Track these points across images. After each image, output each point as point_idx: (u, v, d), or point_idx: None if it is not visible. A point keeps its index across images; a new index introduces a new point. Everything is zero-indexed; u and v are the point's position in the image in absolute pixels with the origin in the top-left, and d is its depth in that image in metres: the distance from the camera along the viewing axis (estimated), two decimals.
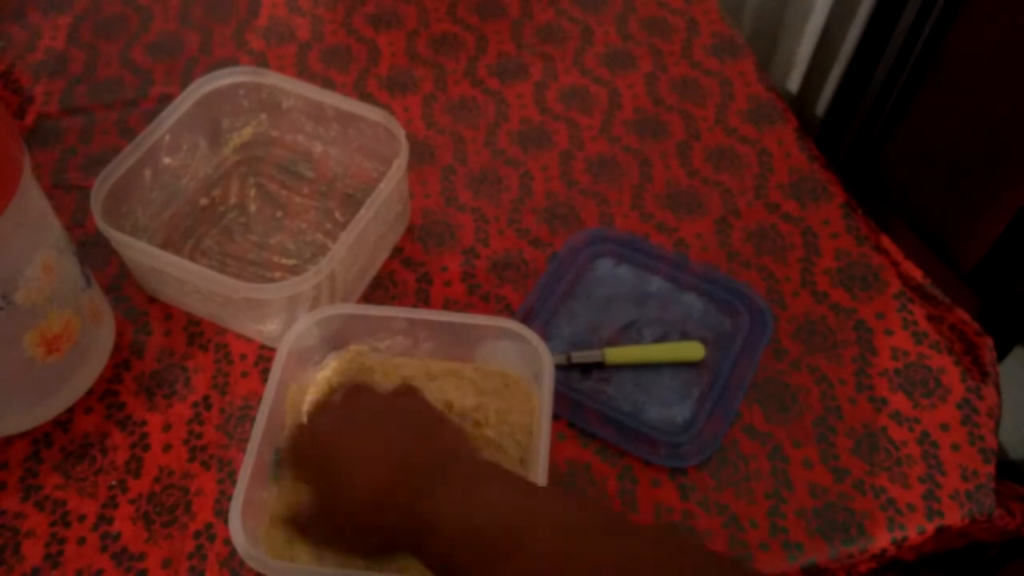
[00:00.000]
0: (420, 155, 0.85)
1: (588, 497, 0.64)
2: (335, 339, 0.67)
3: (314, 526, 0.54)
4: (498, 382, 0.67)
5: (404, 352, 0.68)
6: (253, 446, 0.57)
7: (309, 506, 0.53)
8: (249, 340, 0.72)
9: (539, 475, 0.57)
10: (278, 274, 0.75)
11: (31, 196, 0.58)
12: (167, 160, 0.76)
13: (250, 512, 0.55)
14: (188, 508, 0.63)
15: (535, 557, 0.43)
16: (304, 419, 0.63)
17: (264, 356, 0.71)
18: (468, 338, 0.66)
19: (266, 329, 0.70)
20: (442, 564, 0.47)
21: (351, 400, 0.56)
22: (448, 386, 0.67)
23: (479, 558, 0.45)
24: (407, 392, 0.58)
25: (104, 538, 0.62)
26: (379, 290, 0.76)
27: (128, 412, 0.68)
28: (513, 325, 0.64)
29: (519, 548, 0.43)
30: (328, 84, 0.91)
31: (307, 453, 0.54)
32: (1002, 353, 0.80)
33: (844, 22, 1.36)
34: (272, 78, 0.77)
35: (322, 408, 0.60)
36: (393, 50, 0.95)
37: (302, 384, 0.66)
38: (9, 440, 0.66)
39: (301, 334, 0.63)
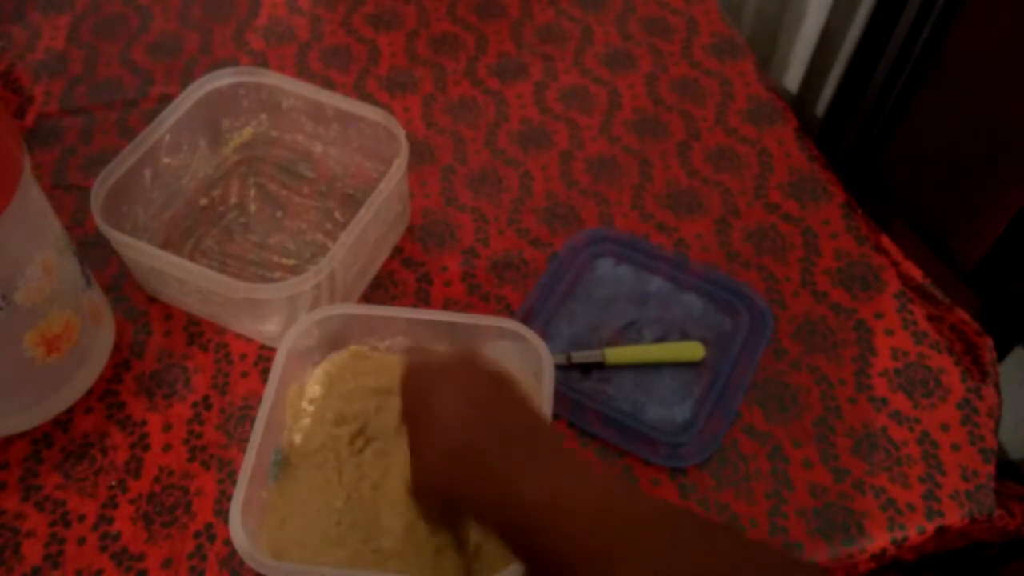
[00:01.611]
0: (420, 155, 0.85)
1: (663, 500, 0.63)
2: (335, 339, 0.67)
3: (415, 476, 0.52)
4: None
5: (404, 352, 0.68)
6: (253, 446, 0.57)
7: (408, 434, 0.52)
8: (249, 340, 0.72)
9: None
10: (278, 274, 0.75)
11: (31, 196, 0.58)
12: (167, 160, 0.76)
13: (250, 512, 0.55)
14: (188, 508, 0.63)
15: (644, 556, 0.41)
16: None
17: (264, 356, 0.71)
18: (468, 338, 0.66)
19: (266, 329, 0.70)
20: (521, 534, 0.45)
21: (458, 362, 0.54)
22: None
23: (591, 544, 0.42)
24: (506, 375, 0.56)
25: (104, 538, 0.62)
26: (379, 290, 0.76)
27: (128, 412, 0.68)
28: (513, 325, 0.64)
29: (638, 541, 0.42)
30: (328, 84, 0.91)
31: (414, 385, 0.53)
32: (1002, 353, 0.80)
33: (844, 22, 1.36)
34: (272, 78, 0.77)
35: (426, 360, 0.56)
36: (393, 50, 0.95)
37: (302, 384, 0.66)
38: (9, 440, 0.66)
39: (301, 334, 0.63)
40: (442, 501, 0.51)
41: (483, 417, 0.49)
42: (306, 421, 0.64)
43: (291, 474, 0.62)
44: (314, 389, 0.66)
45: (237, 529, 0.53)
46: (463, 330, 0.66)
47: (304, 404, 0.65)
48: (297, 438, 0.63)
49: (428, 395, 0.51)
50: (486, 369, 0.53)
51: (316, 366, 0.67)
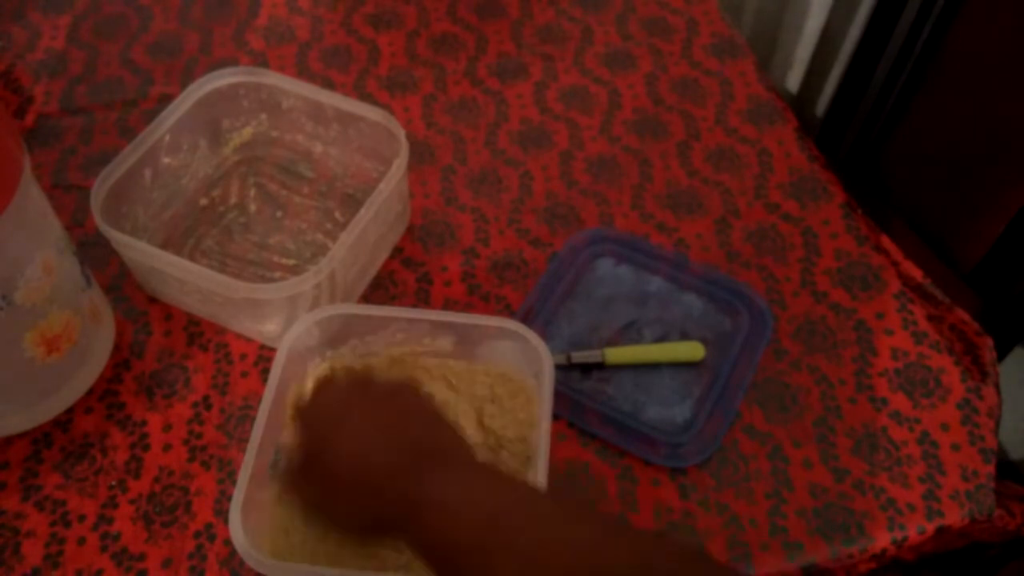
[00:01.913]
0: (420, 155, 0.85)
1: (581, 499, 0.64)
2: (335, 339, 0.67)
3: (306, 488, 0.54)
4: (498, 381, 0.67)
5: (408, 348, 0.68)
6: (253, 446, 0.57)
7: (301, 464, 0.53)
8: (249, 340, 0.72)
9: (539, 475, 0.57)
10: (278, 274, 0.75)
11: (31, 196, 0.58)
12: (167, 160, 0.76)
13: (250, 512, 0.55)
14: (188, 508, 0.63)
15: (516, 551, 0.44)
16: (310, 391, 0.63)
17: (264, 356, 0.71)
18: (468, 338, 0.66)
19: (266, 329, 0.70)
20: (432, 548, 0.48)
21: (358, 383, 0.56)
22: (447, 385, 0.67)
23: (466, 549, 0.46)
24: (409, 387, 0.58)
25: (104, 538, 0.62)
26: (379, 290, 0.76)
27: (128, 412, 0.68)
28: (513, 325, 0.64)
29: (506, 543, 0.45)
30: (328, 84, 0.91)
31: (311, 418, 0.54)
32: (1002, 353, 0.80)
33: (844, 22, 1.36)
34: (272, 78, 0.77)
35: (329, 384, 0.59)
36: (393, 50, 0.95)
37: (302, 384, 0.66)
38: (9, 440, 0.66)
39: (301, 334, 0.63)
40: (358, 531, 0.53)
41: (391, 441, 0.51)
42: None
43: None
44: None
45: (237, 529, 0.53)
46: (462, 330, 0.66)
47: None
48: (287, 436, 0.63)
49: (324, 440, 0.53)
50: (380, 393, 0.56)
51: (316, 366, 0.67)
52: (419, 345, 0.68)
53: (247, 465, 0.56)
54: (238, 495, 0.54)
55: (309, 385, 0.66)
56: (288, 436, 0.63)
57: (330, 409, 0.54)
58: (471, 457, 0.53)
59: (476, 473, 0.51)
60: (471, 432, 0.64)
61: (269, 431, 0.59)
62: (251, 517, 0.55)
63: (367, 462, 0.50)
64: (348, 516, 0.52)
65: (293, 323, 0.63)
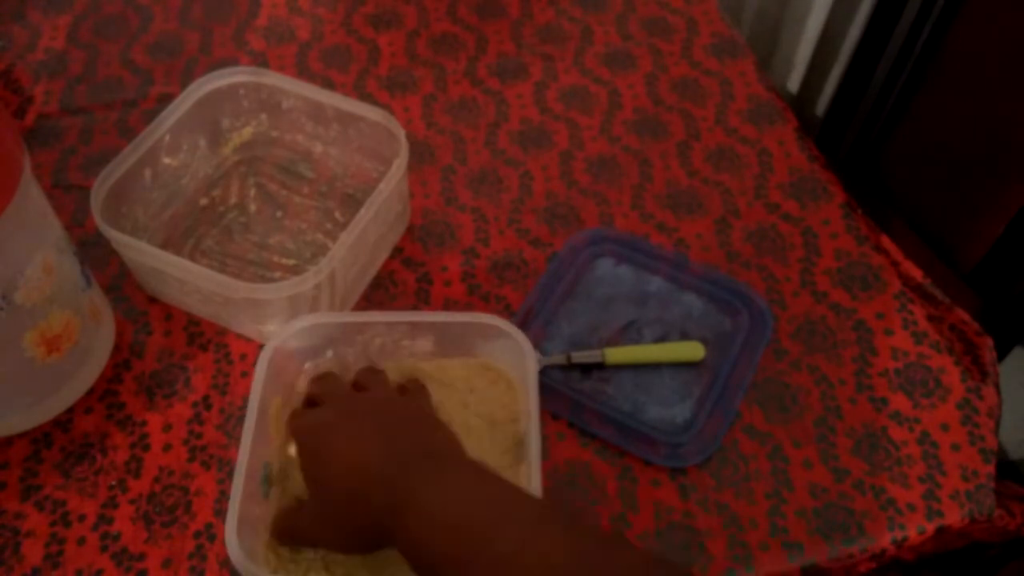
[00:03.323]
0: (420, 155, 0.85)
1: (555, 501, 0.64)
2: (318, 346, 0.66)
3: (305, 520, 0.55)
4: (477, 372, 0.67)
5: (391, 353, 0.68)
6: (241, 465, 0.55)
7: (301, 502, 0.54)
8: (249, 340, 0.72)
9: (532, 473, 0.57)
10: (278, 274, 0.75)
11: (31, 196, 0.58)
12: (167, 160, 0.76)
13: (245, 530, 0.54)
14: (188, 508, 0.63)
15: (497, 555, 0.45)
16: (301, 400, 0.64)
17: None
18: (457, 337, 0.66)
19: (266, 329, 0.70)
20: (415, 552, 0.48)
21: (345, 395, 0.59)
22: (438, 385, 0.66)
23: (449, 550, 0.46)
24: (410, 390, 0.58)
25: (104, 538, 0.62)
26: (379, 290, 0.76)
27: (128, 412, 0.68)
28: (494, 320, 0.63)
29: (487, 542, 0.45)
30: (328, 84, 0.91)
31: (302, 435, 0.56)
32: (1002, 353, 0.80)
33: (844, 22, 1.36)
34: (272, 78, 0.77)
35: (318, 397, 0.61)
36: (393, 50, 0.95)
37: (288, 396, 0.65)
38: (9, 440, 0.66)
39: (278, 348, 0.62)
40: (351, 544, 0.54)
41: (378, 448, 0.52)
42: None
43: (285, 489, 0.61)
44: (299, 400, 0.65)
45: (234, 547, 0.52)
46: (445, 329, 0.66)
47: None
48: (290, 449, 0.63)
49: (316, 452, 0.55)
50: (381, 394, 0.58)
51: (303, 374, 0.67)
52: (399, 348, 0.67)
53: (236, 488, 0.54)
54: (231, 518, 0.53)
55: (296, 397, 0.66)
56: (275, 450, 0.62)
57: (320, 423, 0.56)
58: (460, 458, 0.53)
59: (459, 473, 0.51)
60: (458, 422, 0.64)
61: (256, 448, 0.57)
62: (246, 535, 0.54)
63: (357, 471, 0.51)
64: (344, 530, 0.53)
65: (291, 324, 0.63)
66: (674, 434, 0.67)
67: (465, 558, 0.45)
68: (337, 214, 0.79)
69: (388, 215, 0.74)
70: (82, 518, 0.63)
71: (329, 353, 0.67)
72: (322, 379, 0.63)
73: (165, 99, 0.82)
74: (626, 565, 0.44)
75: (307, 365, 0.67)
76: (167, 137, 0.74)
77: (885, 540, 0.63)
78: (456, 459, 0.53)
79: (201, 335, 0.73)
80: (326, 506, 0.54)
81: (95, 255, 0.74)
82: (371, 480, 0.51)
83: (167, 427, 0.67)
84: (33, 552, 0.61)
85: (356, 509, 0.51)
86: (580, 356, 0.71)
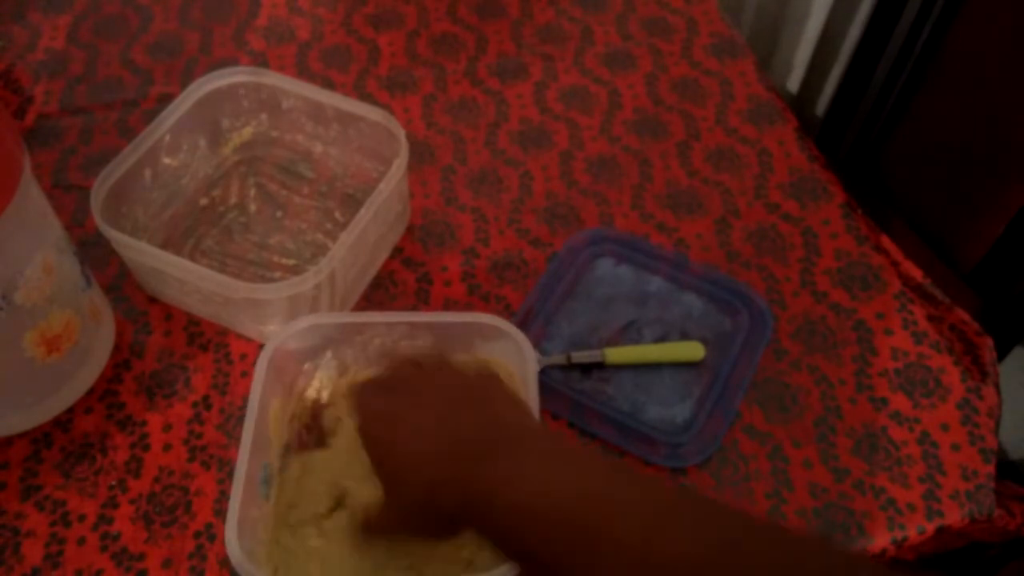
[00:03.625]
0: (420, 155, 0.85)
1: (673, 481, 0.62)
2: (318, 346, 0.66)
3: (383, 519, 0.53)
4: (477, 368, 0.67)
5: (391, 354, 0.68)
6: (241, 467, 0.55)
7: (376, 503, 0.53)
8: (249, 340, 0.72)
9: None
10: (278, 274, 0.75)
11: (31, 196, 0.58)
12: (167, 160, 0.76)
13: (245, 530, 0.54)
14: (188, 508, 0.63)
15: (623, 546, 0.40)
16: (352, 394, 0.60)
17: None
18: (456, 337, 0.66)
19: (266, 329, 0.70)
20: (505, 537, 0.45)
21: (407, 378, 0.55)
22: None
23: (559, 548, 0.42)
24: (485, 375, 0.56)
25: (104, 538, 0.62)
26: (379, 290, 0.76)
27: (128, 412, 0.68)
28: (494, 320, 0.63)
29: (607, 532, 0.41)
30: (328, 84, 0.91)
31: (367, 426, 0.53)
32: (1002, 353, 0.80)
33: (844, 22, 1.36)
34: (272, 78, 0.77)
35: (374, 387, 0.57)
36: (393, 50, 0.95)
37: (287, 397, 0.65)
38: (9, 440, 0.66)
39: (278, 348, 0.62)
40: (430, 534, 0.52)
41: (444, 433, 0.50)
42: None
43: (283, 492, 0.61)
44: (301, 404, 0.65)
45: (234, 547, 0.52)
46: (445, 329, 0.66)
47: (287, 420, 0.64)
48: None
49: (390, 443, 0.52)
50: (444, 381, 0.54)
51: (303, 376, 0.67)
52: (399, 348, 0.67)
53: (236, 490, 0.54)
54: (231, 520, 0.53)
55: (296, 397, 0.66)
56: (275, 451, 0.62)
57: (383, 414, 0.53)
58: (550, 434, 0.51)
59: (557, 459, 0.47)
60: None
61: (256, 449, 0.57)
62: (246, 536, 0.54)
63: (428, 457, 0.49)
64: (421, 522, 0.51)
65: (292, 324, 0.63)
66: (674, 434, 0.67)
67: (582, 561, 0.41)
68: (337, 214, 0.79)
69: (388, 215, 0.74)
70: (82, 518, 0.63)
71: (329, 353, 0.67)
72: (399, 364, 0.60)
73: (165, 99, 0.82)
74: (784, 553, 0.39)
75: (307, 365, 0.67)
76: (167, 137, 0.74)
77: (885, 540, 0.63)
78: (542, 434, 0.50)
79: (201, 335, 0.73)
80: (402, 499, 0.51)
81: (95, 255, 0.74)
82: (438, 465, 0.48)
83: (167, 427, 0.67)
84: (33, 552, 0.61)
85: (427, 498, 0.49)
86: (580, 356, 0.71)
